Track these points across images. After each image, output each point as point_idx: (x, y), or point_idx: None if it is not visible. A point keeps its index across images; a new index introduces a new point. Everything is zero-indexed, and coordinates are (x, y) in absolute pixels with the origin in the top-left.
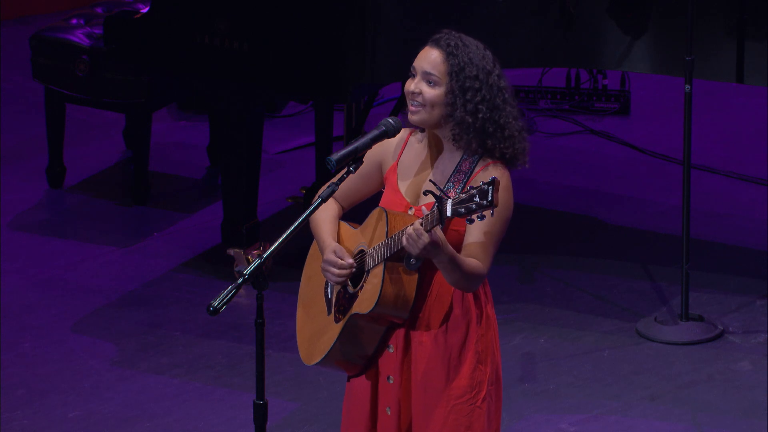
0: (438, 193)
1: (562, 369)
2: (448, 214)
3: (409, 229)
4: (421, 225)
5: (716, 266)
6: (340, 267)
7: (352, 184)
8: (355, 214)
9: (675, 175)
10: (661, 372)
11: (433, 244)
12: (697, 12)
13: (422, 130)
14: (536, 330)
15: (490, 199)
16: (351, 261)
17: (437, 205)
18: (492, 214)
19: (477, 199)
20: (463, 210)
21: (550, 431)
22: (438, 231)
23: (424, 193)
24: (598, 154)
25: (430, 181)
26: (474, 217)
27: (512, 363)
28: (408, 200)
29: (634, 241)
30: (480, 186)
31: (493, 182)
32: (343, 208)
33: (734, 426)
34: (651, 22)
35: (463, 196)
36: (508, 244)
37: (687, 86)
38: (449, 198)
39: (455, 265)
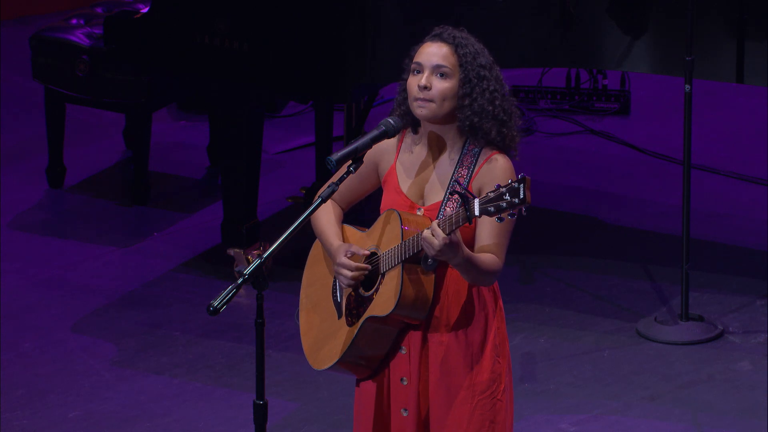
0: (463, 192)
1: (562, 369)
2: (476, 213)
3: (426, 232)
4: (439, 226)
5: (716, 266)
6: (355, 269)
7: (349, 185)
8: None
9: (675, 175)
10: (661, 372)
11: (451, 245)
12: (697, 12)
13: (415, 131)
14: (536, 330)
15: (522, 196)
16: (365, 264)
17: (464, 205)
18: (524, 211)
19: (508, 197)
20: (492, 209)
21: (550, 431)
22: (456, 233)
23: (450, 193)
24: (598, 154)
25: (455, 181)
26: (505, 215)
27: (512, 363)
28: (412, 200)
29: (634, 241)
30: (510, 184)
31: (524, 179)
32: (342, 209)
33: (734, 426)
34: (651, 22)
35: (492, 194)
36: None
37: (687, 86)
38: (476, 198)
39: (472, 265)
